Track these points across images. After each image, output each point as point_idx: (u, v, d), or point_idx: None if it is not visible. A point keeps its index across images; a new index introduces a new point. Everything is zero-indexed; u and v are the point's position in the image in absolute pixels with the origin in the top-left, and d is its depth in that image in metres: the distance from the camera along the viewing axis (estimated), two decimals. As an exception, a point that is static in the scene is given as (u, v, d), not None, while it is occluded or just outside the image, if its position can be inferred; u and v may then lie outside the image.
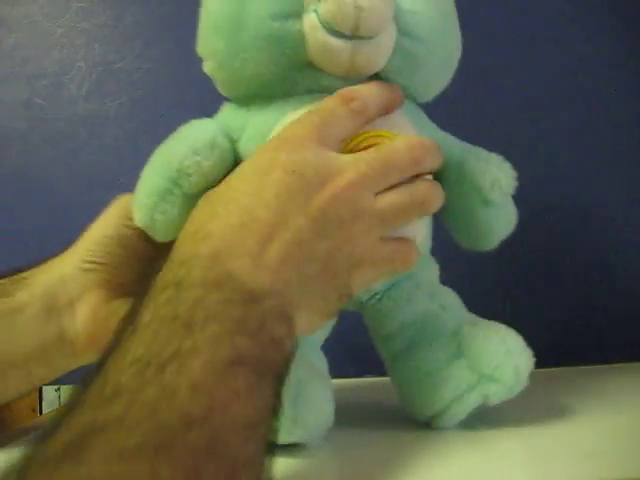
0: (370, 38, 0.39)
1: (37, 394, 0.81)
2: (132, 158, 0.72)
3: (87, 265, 0.44)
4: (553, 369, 0.62)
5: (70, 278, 0.43)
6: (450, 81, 0.47)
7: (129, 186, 0.71)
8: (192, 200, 0.40)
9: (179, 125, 0.71)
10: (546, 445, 0.37)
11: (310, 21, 0.39)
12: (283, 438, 0.37)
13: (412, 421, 0.42)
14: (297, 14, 0.40)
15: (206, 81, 0.72)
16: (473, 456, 0.36)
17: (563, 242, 0.69)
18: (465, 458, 0.36)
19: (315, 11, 0.39)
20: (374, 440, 0.40)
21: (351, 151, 0.38)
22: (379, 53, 0.40)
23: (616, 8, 0.70)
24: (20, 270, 0.44)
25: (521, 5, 0.71)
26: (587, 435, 0.39)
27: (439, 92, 0.47)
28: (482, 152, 0.45)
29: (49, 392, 0.81)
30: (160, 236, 0.43)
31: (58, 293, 0.43)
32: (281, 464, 0.36)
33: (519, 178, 0.46)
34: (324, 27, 0.39)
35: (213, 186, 0.39)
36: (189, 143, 0.42)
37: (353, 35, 0.39)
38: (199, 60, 0.72)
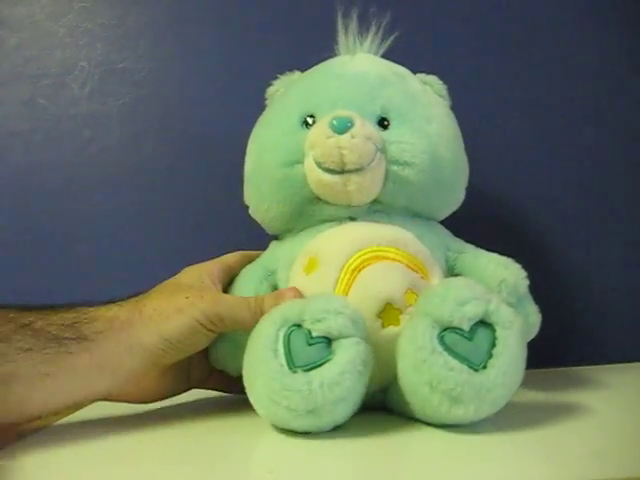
0: (358, 170, 0.47)
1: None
2: (135, 158, 0.73)
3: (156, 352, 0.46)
4: (553, 369, 0.62)
5: (135, 353, 0.45)
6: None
7: (132, 186, 0.72)
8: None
9: (181, 125, 0.72)
10: (551, 444, 0.37)
11: (309, 163, 0.48)
12: (301, 425, 0.39)
13: (418, 422, 0.42)
14: (300, 160, 0.49)
15: (207, 82, 0.73)
16: (477, 456, 0.36)
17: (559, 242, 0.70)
18: (468, 458, 0.36)
19: (312, 155, 0.48)
20: (384, 441, 0.40)
21: (362, 262, 0.46)
22: (369, 181, 0.48)
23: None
24: (82, 305, 0.46)
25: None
26: (591, 434, 0.39)
27: (451, 209, 0.54)
28: (492, 255, 0.51)
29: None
30: (233, 374, 0.50)
31: (118, 363, 0.44)
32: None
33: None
34: (318, 166, 0.48)
35: None
36: None
37: (342, 170, 0.47)
38: (201, 60, 0.73)
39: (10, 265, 0.72)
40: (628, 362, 0.65)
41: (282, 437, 0.41)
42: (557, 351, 0.65)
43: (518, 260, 0.50)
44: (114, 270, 0.72)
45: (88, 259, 0.72)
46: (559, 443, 0.37)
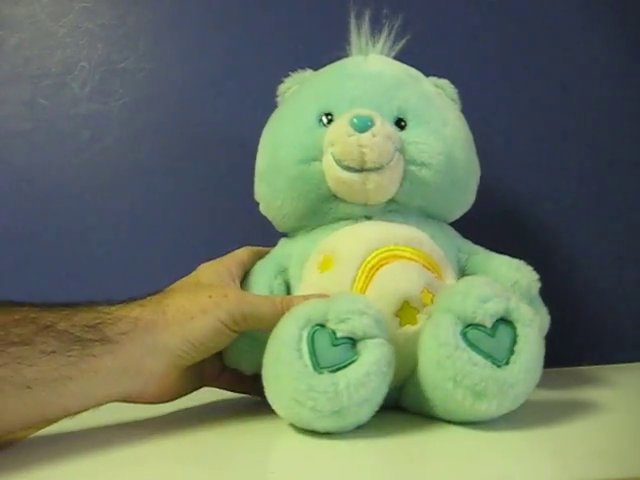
0: (377, 169, 0.47)
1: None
2: (135, 158, 0.73)
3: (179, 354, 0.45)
4: (553, 369, 0.63)
5: (158, 355, 0.44)
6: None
7: (132, 186, 0.72)
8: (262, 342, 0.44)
9: (181, 125, 0.72)
10: (551, 444, 0.37)
11: (327, 161, 0.49)
12: (325, 426, 0.39)
13: (424, 419, 0.43)
14: (317, 157, 0.49)
15: (207, 82, 0.73)
16: (479, 455, 0.36)
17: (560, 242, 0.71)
18: (470, 457, 0.36)
19: (331, 153, 0.48)
20: (391, 440, 0.40)
21: (379, 260, 0.46)
22: (387, 180, 0.49)
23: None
24: (107, 303, 0.45)
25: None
26: (592, 434, 0.39)
27: (463, 211, 0.55)
28: (504, 258, 0.51)
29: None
30: (246, 371, 0.51)
31: (141, 365, 0.44)
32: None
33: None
34: (338, 164, 0.48)
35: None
36: None
37: (362, 168, 0.47)
38: (201, 60, 0.73)
39: (10, 265, 0.71)
40: (628, 362, 0.66)
41: (287, 437, 0.41)
42: (557, 351, 0.65)
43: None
44: (114, 270, 0.71)
45: (88, 259, 0.71)
46: (560, 443, 0.38)
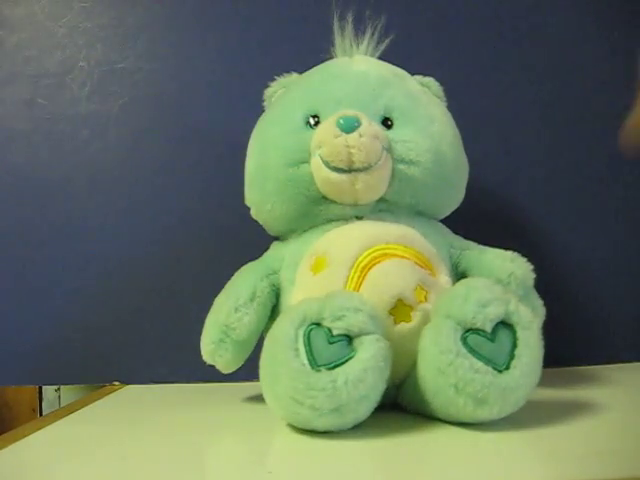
0: (365, 169, 0.48)
1: (37, 394, 0.81)
2: (134, 158, 0.73)
3: None
4: (553, 369, 0.63)
5: None
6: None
7: (131, 186, 0.72)
8: (243, 345, 0.51)
9: (180, 126, 0.72)
10: (550, 444, 0.38)
11: (315, 163, 0.49)
12: (324, 424, 0.39)
13: (423, 419, 0.43)
14: (305, 160, 0.49)
15: (206, 82, 0.73)
16: (478, 455, 0.36)
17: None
18: (469, 457, 0.36)
19: (319, 155, 0.48)
20: (389, 441, 0.40)
21: (371, 259, 0.46)
22: (376, 180, 0.49)
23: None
24: None
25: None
26: (591, 434, 0.39)
27: (452, 208, 0.55)
28: (497, 250, 0.51)
29: (49, 392, 0.81)
30: (223, 370, 0.52)
31: None
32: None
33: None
34: (326, 165, 0.48)
35: (260, 330, 0.50)
36: (232, 302, 0.51)
37: (350, 169, 0.48)
38: (200, 60, 0.73)
39: (9, 264, 0.71)
40: (628, 362, 0.66)
41: (282, 436, 0.41)
42: (557, 351, 0.65)
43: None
44: (113, 270, 0.71)
45: (87, 259, 0.71)
46: (559, 443, 0.38)
